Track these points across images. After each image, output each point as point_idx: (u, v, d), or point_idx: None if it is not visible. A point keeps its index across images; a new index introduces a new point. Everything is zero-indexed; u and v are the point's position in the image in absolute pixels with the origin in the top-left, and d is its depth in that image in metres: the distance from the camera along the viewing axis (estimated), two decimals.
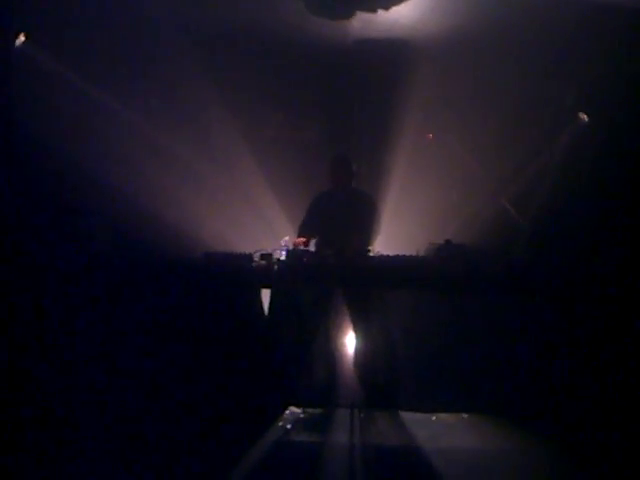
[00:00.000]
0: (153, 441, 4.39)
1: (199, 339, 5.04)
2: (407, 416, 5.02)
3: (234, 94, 7.51)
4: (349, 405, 5.15)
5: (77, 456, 4.14)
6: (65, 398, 4.69)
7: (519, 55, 7.17)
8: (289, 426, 4.82)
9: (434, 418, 5.01)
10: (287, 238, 5.50)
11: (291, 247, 5.40)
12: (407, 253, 5.30)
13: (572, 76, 7.17)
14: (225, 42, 7.58)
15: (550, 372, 4.95)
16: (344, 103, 8.09)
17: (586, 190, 6.72)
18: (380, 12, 6.90)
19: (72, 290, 4.99)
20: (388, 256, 5.30)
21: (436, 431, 4.77)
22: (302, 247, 5.49)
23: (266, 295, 5.33)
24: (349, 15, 7.01)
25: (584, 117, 7.43)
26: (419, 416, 5.01)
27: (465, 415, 5.03)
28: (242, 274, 5.19)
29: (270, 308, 5.31)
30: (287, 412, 5.06)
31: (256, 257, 5.24)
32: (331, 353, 5.35)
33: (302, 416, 5.04)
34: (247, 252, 5.27)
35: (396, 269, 5.18)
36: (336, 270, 5.17)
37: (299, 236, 5.73)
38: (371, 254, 5.43)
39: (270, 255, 5.24)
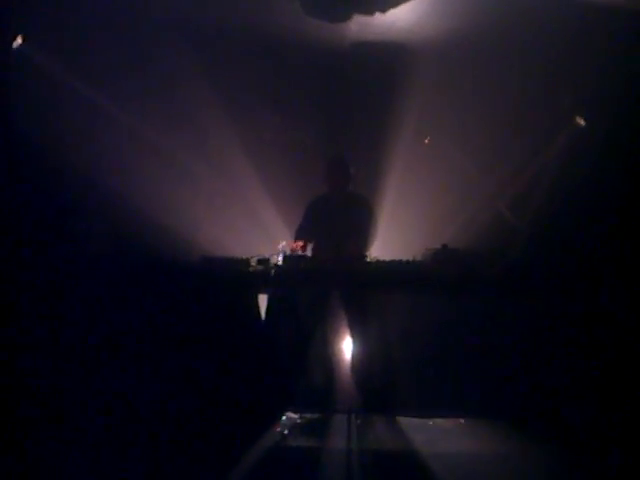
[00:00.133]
0: (149, 445, 4.38)
1: (196, 344, 5.03)
2: (404, 421, 5.03)
3: (231, 97, 7.50)
4: (346, 410, 5.15)
5: (74, 457, 4.15)
6: (63, 399, 4.69)
7: (516, 58, 7.17)
8: (286, 431, 4.82)
9: (431, 423, 5.01)
10: (284, 242, 5.49)
11: (289, 252, 5.40)
12: (404, 258, 5.28)
13: (569, 79, 7.16)
14: (222, 44, 7.57)
15: (547, 376, 4.95)
16: (341, 106, 8.05)
17: (583, 193, 6.70)
18: (377, 15, 6.91)
19: (69, 293, 4.99)
20: (385, 261, 5.29)
21: (433, 436, 4.77)
22: (300, 252, 5.48)
23: (263, 300, 5.32)
24: (346, 18, 7.01)
25: (581, 121, 7.42)
26: (416, 421, 5.02)
27: (462, 420, 5.03)
28: (239, 279, 5.20)
29: (267, 313, 5.30)
30: (284, 417, 5.06)
31: (253, 262, 5.24)
32: (328, 358, 5.36)
33: (299, 421, 5.03)
34: (244, 257, 5.27)
35: (393, 274, 5.19)
36: (333, 275, 5.18)
37: (296, 240, 5.72)
38: (368, 259, 5.42)
39: (267, 260, 5.24)
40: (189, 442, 4.47)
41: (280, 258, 5.26)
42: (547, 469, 4.22)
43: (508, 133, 7.45)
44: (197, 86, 7.41)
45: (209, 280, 5.19)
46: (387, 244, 6.13)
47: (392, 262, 5.24)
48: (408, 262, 5.26)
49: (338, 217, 5.75)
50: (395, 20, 7.07)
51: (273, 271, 5.21)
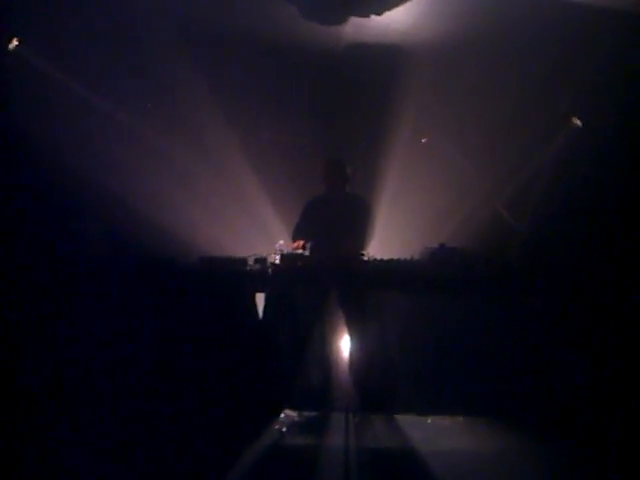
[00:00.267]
0: (148, 444, 4.37)
1: (194, 343, 5.03)
2: (402, 419, 5.03)
3: (229, 98, 7.52)
4: (344, 408, 5.13)
5: (73, 455, 4.14)
6: (63, 398, 4.70)
7: (512, 59, 7.19)
8: (284, 429, 4.81)
9: (429, 421, 5.02)
10: (282, 242, 5.50)
11: (289, 251, 5.40)
12: (401, 257, 5.30)
13: (567, 79, 7.18)
14: (218, 47, 7.58)
15: (545, 374, 4.97)
16: (338, 107, 8.08)
17: (581, 192, 6.73)
18: (373, 17, 6.93)
19: (68, 294, 4.99)
20: (382, 260, 5.30)
21: (431, 434, 4.77)
22: (300, 251, 5.48)
23: (261, 299, 5.32)
24: (342, 20, 7.03)
25: (578, 120, 7.44)
26: (414, 419, 5.02)
27: (460, 418, 5.04)
28: (236, 278, 5.20)
29: (265, 312, 5.30)
30: (282, 415, 5.05)
31: (250, 261, 5.24)
32: (326, 357, 5.35)
33: (297, 419, 5.03)
34: (242, 256, 5.27)
35: (391, 273, 5.21)
36: (331, 274, 5.20)
37: (294, 241, 5.74)
38: (365, 258, 5.43)
39: (264, 259, 5.25)
40: (187, 440, 4.46)
41: (277, 257, 5.26)
42: (545, 467, 4.23)
43: (505, 133, 7.47)
44: (195, 87, 7.43)
45: (207, 280, 5.20)
46: (385, 243, 6.14)
47: (390, 261, 5.27)
48: (406, 261, 5.28)
49: (336, 217, 5.76)
50: (390, 22, 7.08)
51: (270, 270, 5.21)
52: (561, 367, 4.94)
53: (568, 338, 4.99)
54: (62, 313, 4.96)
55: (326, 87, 7.99)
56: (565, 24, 6.70)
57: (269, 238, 6.51)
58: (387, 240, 6.33)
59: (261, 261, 5.24)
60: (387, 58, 7.68)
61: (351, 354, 5.37)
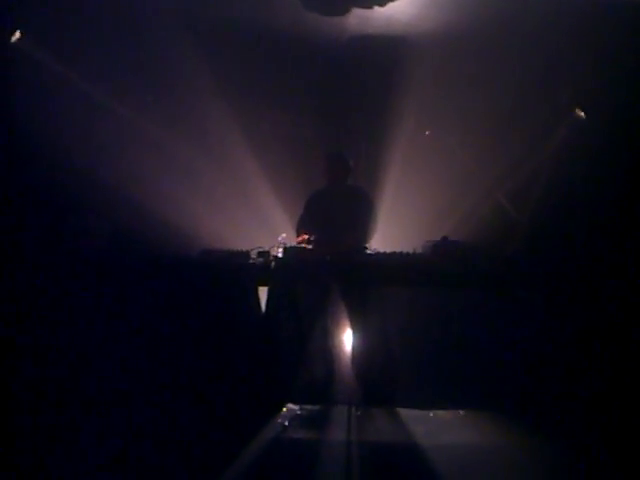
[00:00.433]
0: (149, 438, 4.39)
1: (196, 337, 5.04)
2: (404, 413, 5.04)
3: (231, 90, 7.49)
4: (346, 402, 5.16)
5: (75, 454, 4.14)
6: (63, 393, 4.69)
7: (515, 51, 7.12)
8: (287, 423, 4.83)
9: (431, 415, 5.03)
10: (284, 235, 5.49)
11: (291, 244, 5.40)
12: (404, 250, 5.28)
13: (569, 72, 7.15)
14: (220, 38, 7.53)
15: (547, 368, 4.96)
16: (341, 99, 8.06)
17: (583, 187, 6.72)
18: (376, 9, 6.90)
19: (69, 287, 4.99)
20: (385, 253, 5.30)
21: (433, 428, 4.78)
22: (305, 245, 5.48)
23: (263, 292, 5.33)
24: (345, 11, 7.00)
25: (580, 113, 7.42)
26: (416, 413, 5.03)
27: (462, 411, 5.05)
28: (239, 271, 5.20)
29: (267, 305, 5.31)
30: (285, 409, 5.07)
31: (253, 254, 5.24)
32: (328, 350, 5.37)
33: (299, 413, 5.04)
34: (244, 249, 5.27)
35: (393, 266, 5.19)
36: (333, 267, 5.19)
37: (297, 234, 5.76)
38: (368, 251, 5.43)
39: (267, 252, 5.25)
40: (190, 434, 4.47)
41: (280, 251, 5.26)
42: (546, 460, 4.23)
43: (508, 126, 7.45)
44: (196, 80, 7.40)
45: (209, 273, 5.19)
46: (387, 236, 6.14)
47: (392, 254, 5.25)
48: (408, 254, 5.26)
49: (338, 210, 5.76)
50: (394, 13, 7.06)
51: (273, 264, 5.21)
52: (562, 361, 4.94)
53: (569, 332, 4.98)
54: (63, 305, 4.95)
55: (329, 79, 7.95)
56: (568, 15, 6.67)
57: (272, 231, 6.49)
58: (389, 233, 6.33)
59: (264, 254, 5.24)
60: (390, 50, 7.62)
61: (353, 348, 5.38)
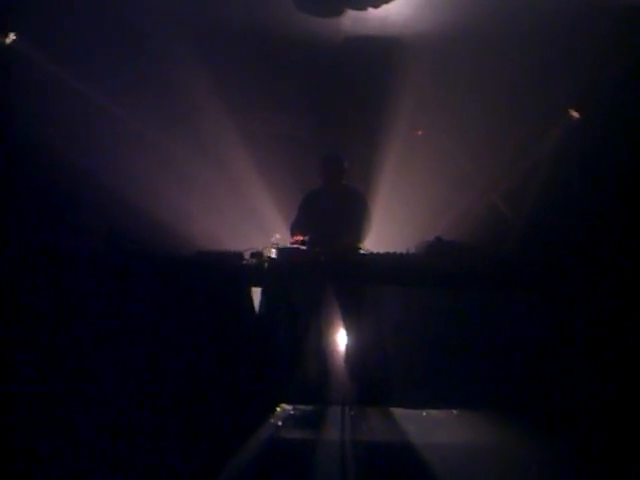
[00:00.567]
0: (142, 437, 4.38)
1: (190, 337, 5.03)
2: (398, 412, 5.04)
3: (225, 91, 7.50)
4: (340, 402, 5.15)
5: (71, 451, 4.14)
6: (60, 391, 4.68)
7: (510, 51, 7.16)
8: (280, 423, 4.83)
9: (424, 414, 5.02)
10: (278, 236, 5.49)
11: (285, 245, 5.40)
12: (398, 250, 5.28)
13: (565, 72, 7.15)
14: (215, 39, 7.56)
15: (540, 367, 4.97)
16: (335, 100, 8.07)
17: (578, 186, 6.73)
18: (370, 10, 6.93)
19: (64, 287, 4.99)
20: (379, 253, 5.29)
21: (426, 427, 4.79)
22: (299, 245, 5.49)
23: (257, 293, 5.33)
24: (338, 12, 7.03)
25: (575, 114, 7.43)
26: (410, 412, 5.03)
27: (455, 411, 5.05)
28: (233, 272, 5.20)
29: (261, 306, 5.31)
30: (278, 409, 5.06)
31: (246, 255, 5.24)
32: (322, 350, 5.38)
33: (293, 413, 5.04)
34: (238, 250, 5.27)
35: (387, 266, 5.18)
36: (327, 267, 5.18)
37: (292, 234, 5.77)
38: (362, 251, 5.43)
39: (261, 253, 5.24)
40: (183, 434, 4.47)
41: (274, 251, 5.26)
42: (539, 460, 4.23)
43: (503, 126, 7.45)
44: (191, 81, 7.41)
45: (203, 273, 5.19)
46: (381, 236, 6.13)
47: (386, 254, 5.24)
48: (402, 254, 5.26)
49: (332, 210, 5.79)
50: (388, 15, 7.10)
51: (267, 264, 5.21)
52: (555, 360, 4.94)
53: (564, 331, 4.99)
54: (58, 306, 4.95)
55: (323, 80, 7.97)
56: (564, 15, 6.69)
57: (266, 231, 6.50)
58: (383, 233, 6.32)
59: (257, 255, 5.24)
60: (385, 51, 7.66)
61: (347, 347, 5.40)
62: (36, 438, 4.26)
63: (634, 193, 6.32)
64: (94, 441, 4.28)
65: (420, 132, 8.13)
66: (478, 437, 4.61)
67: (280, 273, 5.20)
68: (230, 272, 5.20)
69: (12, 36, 6.74)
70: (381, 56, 7.72)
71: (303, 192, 6.11)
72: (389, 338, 5.26)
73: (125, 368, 4.85)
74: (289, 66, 7.86)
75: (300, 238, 5.58)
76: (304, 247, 5.46)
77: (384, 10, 6.97)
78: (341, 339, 5.42)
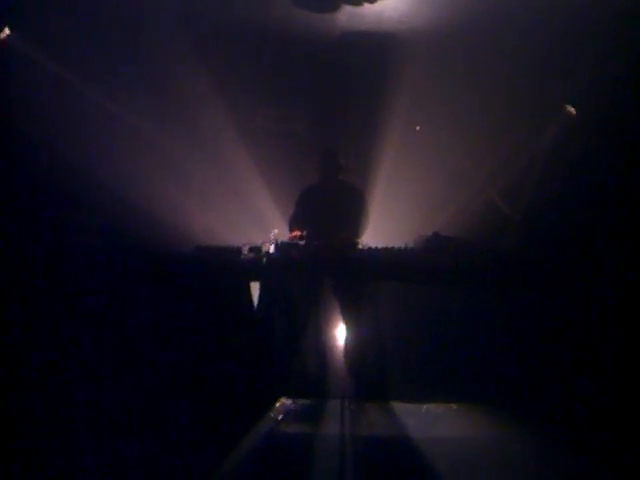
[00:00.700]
0: (143, 432, 4.40)
1: (189, 332, 5.03)
2: (397, 406, 5.06)
3: (223, 87, 7.48)
4: (340, 396, 5.17)
5: (69, 448, 4.15)
6: (62, 387, 4.68)
7: (507, 46, 7.15)
8: (280, 417, 4.84)
9: (424, 408, 5.04)
10: (276, 231, 5.49)
11: (283, 240, 5.40)
12: (395, 245, 5.29)
13: (563, 68, 7.16)
14: (211, 35, 7.54)
15: (539, 362, 4.97)
16: (332, 95, 8.06)
17: (576, 182, 6.73)
18: (366, 5, 6.93)
19: (64, 284, 4.98)
20: (377, 248, 5.29)
21: (426, 421, 4.82)
22: (298, 240, 5.49)
23: (256, 288, 5.33)
24: (334, 8, 7.03)
25: (573, 110, 7.44)
26: (409, 406, 5.05)
27: (454, 405, 5.06)
28: (231, 267, 5.20)
29: (260, 301, 5.32)
30: (278, 403, 5.08)
31: (245, 250, 5.24)
32: (321, 345, 5.39)
33: (293, 407, 5.06)
34: (236, 245, 5.28)
35: (385, 261, 5.19)
36: (325, 262, 5.19)
37: (290, 229, 5.79)
38: (360, 246, 5.44)
39: (259, 248, 5.25)
40: (183, 429, 4.48)
41: (272, 246, 5.26)
42: (538, 453, 4.24)
43: (500, 121, 7.47)
44: (189, 77, 7.40)
45: (202, 269, 5.19)
46: (379, 231, 6.15)
47: (384, 249, 5.25)
48: (400, 249, 5.27)
49: (330, 205, 5.79)
50: (384, 10, 7.10)
51: (265, 259, 5.22)
52: (555, 355, 4.95)
53: (562, 326, 5.00)
54: (59, 303, 4.95)
55: (321, 75, 7.97)
56: (561, 10, 6.69)
57: (264, 226, 6.50)
58: (381, 228, 6.34)
59: (256, 250, 5.24)
60: (381, 46, 7.67)
61: (346, 342, 5.40)
62: (36, 438, 4.26)
63: (632, 189, 6.33)
64: (96, 437, 4.28)
65: (419, 128, 8.14)
66: (477, 431, 4.63)
67: (278, 268, 5.20)
68: (228, 267, 5.20)
69: (6, 31, 6.70)
70: (377, 51, 7.72)
71: (301, 187, 6.10)
72: (388, 333, 5.27)
73: (124, 363, 4.85)
74: (286, 62, 7.85)
75: (298, 234, 5.58)
76: (302, 242, 5.47)
77: (380, 5, 6.97)
78: (340, 334, 5.43)
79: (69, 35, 6.90)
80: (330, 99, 8.10)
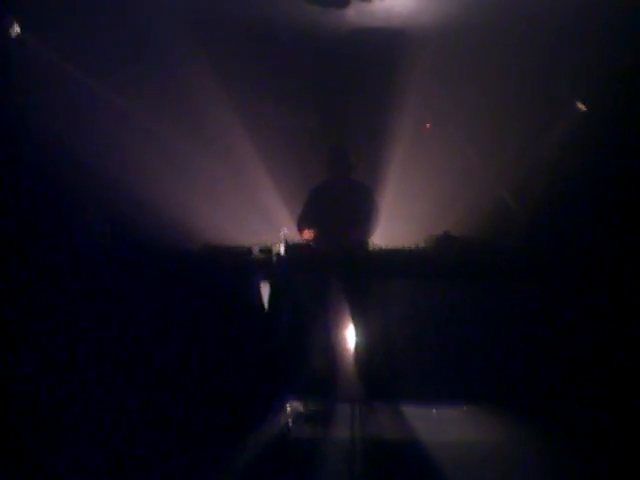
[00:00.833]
0: (150, 434, 4.39)
1: (198, 333, 5.03)
2: (407, 409, 5.03)
3: (231, 84, 7.44)
4: (349, 399, 5.14)
5: (71, 450, 4.15)
6: (64, 386, 4.69)
7: (516, 44, 7.10)
8: (289, 420, 4.83)
9: (434, 411, 5.02)
10: (286, 230, 5.46)
11: (293, 240, 5.38)
12: (406, 245, 5.28)
13: (570, 65, 7.12)
14: (219, 30, 7.49)
15: (550, 364, 4.95)
16: (341, 92, 8.04)
17: (586, 181, 6.69)
18: (376, 1, 6.89)
19: (72, 282, 4.98)
20: (387, 248, 5.28)
21: (436, 424, 4.80)
22: (310, 241, 5.47)
23: (266, 288, 5.31)
24: (344, 4, 6.99)
25: (582, 107, 7.39)
26: (419, 409, 5.02)
27: (465, 407, 5.04)
28: (241, 267, 5.18)
29: (269, 302, 5.29)
30: (287, 406, 5.06)
31: (255, 251, 5.22)
32: (331, 347, 5.35)
33: (302, 410, 5.03)
34: (246, 245, 5.26)
35: (395, 261, 5.18)
36: (335, 263, 5.17)
37: (299, 229, 5.76)
38: (370, 246, 5.41)
39: (269, 249, 5.23)
40: (191, 431, 4.48)
41: (282, 246, 5.24)
42: (549, 456, 4.23)
43: (510, 119, 7.43)
44: (196, 73, 7.36)
45: (211, 269, 5.18)
46: (389, 231, 6.09)
47: (394, 249, 5.24)
48: (410, 249, 5.26)
49: (340, 205, 5.75)
50: (393, 5, 7.04)
51: (275, 259, 5.19)
52: (567, 357, 4.93)
53: (573, 327, 4.97)
54: (66, 300, 4.94)
55: (329, 72, 7.94)
56: (570, 7, 6.64)
57: (273, 224, 6.48)
58: (391, 228, 6.29)
59: (266, 250, 5.22)
60: (390, 42, 7.61)
61: (356, 344, 5.37)
62: (36, 438, 4.26)
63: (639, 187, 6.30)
64: (96, 439, 4.28)
65: (429, 125, 8.10)
66: (488, 434, 4.60)
67: (289, 268, 5.18)
68: (239, 267, 5.19)
69: (16, 27, 6.66)
70: (386, 48, 7.67)
71: (310, 185, 6.06)
72: (398, 334, 5.23)
73: (128, 364, 4.86)
74: (295, 58, 7.80)
75: (311, 236, 5.56)
76: (312, 243, 5.45)
77: (389, 1, 6.92)
78: (350, 335, 5.39)
79: (76, 32, 6.85)
80: (339, 95, 8.07)
